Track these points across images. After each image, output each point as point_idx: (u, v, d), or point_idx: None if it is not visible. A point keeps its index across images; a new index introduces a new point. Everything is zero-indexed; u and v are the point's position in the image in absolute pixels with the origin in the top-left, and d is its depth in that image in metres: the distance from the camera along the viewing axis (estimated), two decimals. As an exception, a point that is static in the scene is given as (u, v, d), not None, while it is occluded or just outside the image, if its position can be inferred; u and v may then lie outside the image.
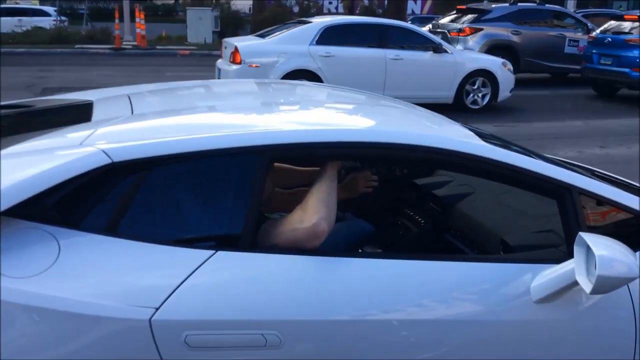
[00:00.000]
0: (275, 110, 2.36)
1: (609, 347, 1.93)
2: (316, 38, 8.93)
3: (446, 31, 12.78)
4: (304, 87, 2.99)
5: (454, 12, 13.95)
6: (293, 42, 8.90)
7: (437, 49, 9.52)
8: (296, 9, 23.42)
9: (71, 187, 1.57)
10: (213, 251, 1.64)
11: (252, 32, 20.49)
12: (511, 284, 1.84)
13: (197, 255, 1.62)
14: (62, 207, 1.59)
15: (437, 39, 9.84)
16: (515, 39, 12.46)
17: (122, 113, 2.05)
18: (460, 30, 12.52)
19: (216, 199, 1.75)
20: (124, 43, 18.18)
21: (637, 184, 2.80)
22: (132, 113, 2.06)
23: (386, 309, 1.73)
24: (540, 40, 12.63)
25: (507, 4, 13.24)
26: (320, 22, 9.30)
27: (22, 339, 1.46)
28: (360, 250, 2.35)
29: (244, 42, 9.13)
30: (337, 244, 2.09)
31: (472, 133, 2.18)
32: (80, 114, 2.12)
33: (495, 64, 9.94)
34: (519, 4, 13.23)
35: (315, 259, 1.72)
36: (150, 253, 1.59)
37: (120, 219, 1.63)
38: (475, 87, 9.84)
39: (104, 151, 1.61)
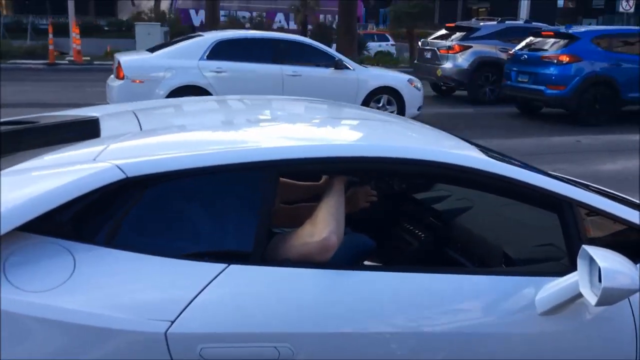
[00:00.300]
0: (282, 126, 2.39)
1: (612, 358, 1.96)
2: (207, 53, 8.65)
3: (435, 49, 13.02)
4: (307, 102, 3.06)
5: (443, 29, 14.19)
6: (181, 57, 8.62)
7: (338, 65, 9.29)
8: (248, 25, 23.22)
9: (86, 202, 1.61)
10: (226, 265, 1.66)
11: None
12: (515, 297, 1.88)
13: (210, 268, 1.65)
14: (78, 221, 1.63)
15: (337, 54, 9.63)
16: (503, 56, 12.55)
17: (131, 129, 2.09)
18: (449, 48, 12.77)
19: (228, 213, 1.78)
20: (67, 58, 17.85)
21: (631, 198, 2.85)
22: (141, 129, 2.10)
23: (394, 321, 1.77)
24: None
25: (494, 22, 13.54)
26: (211, 36, 9.08)
27: (39, 352, 1.48)
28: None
29: (128, 57, 8.86)
30: (339, 258, 2.08)
31: (472, 146, 2.22)
32: (88, 130, 2.15)
33: (400, 81, 9.74)
34: (507, 22, 13.60)
35: (325, 272, 1.76)
36: (164, 267, 1.62)
37: (134, 234, 1.66)
38: (380, 104, 9.62)
39: (118, 167, 1.64)
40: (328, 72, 9.22)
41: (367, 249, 2.31)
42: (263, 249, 1.76)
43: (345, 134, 2.36)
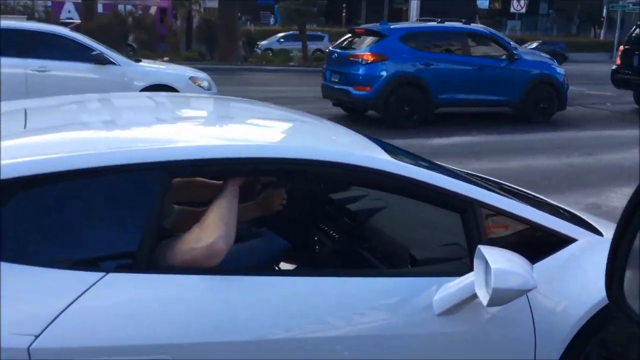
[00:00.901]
0: (176, 125, 2.38)
1: (510, 358, 1.98)
2: None
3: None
4: (208, 100, 3.14)
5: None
6: None
7: (99, 60, 8.34)
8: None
9: None
10: (103, 273, 1.60)
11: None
12: (415, 298, 1.88)
13: (86, 278, 1.58)
14: None
15: (99, 47, 8.62)
16: None
17: (15, 128, 2.00)
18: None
19: (109, 218, 1.73)
20: None
21: (545, 198, 2.89)
22: (25, 128, 2.01)
23: (289, 327, 1.75)
24: None
25: (434, 23, 13.09)
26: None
27: None
28: (276, 267, 2.40)
29: None
30: (253, 261, 2.12)
31: (377, 147, 2.22)
32: None
33: (179, 78, 8.84)
34: (447, 23, 13.15)
35: (210, 278, 1.72)
36: (34, 277, 1.56)
37: (5, 241, 1.58)
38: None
39: None
40: (86, 67, 8.29)
41: (282, 250, 2.31)
42: (149, 255, 1.69)
43: (244, 133, 2.34)
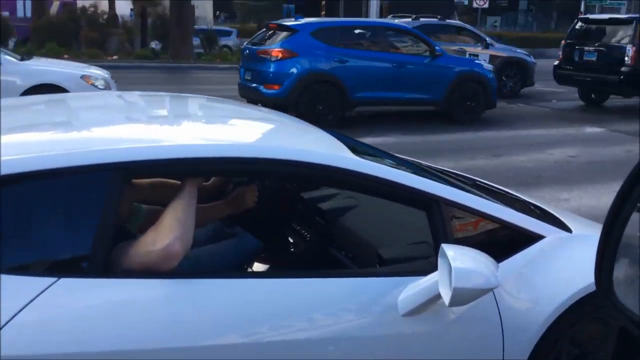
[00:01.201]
0: (132, 126, 2.33)
1: (479, 358, 1.96)
2: None
3: None
4: (168, 98, 2.99)
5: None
6: None
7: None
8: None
9: None
10: (55, 278, 1.56)
11: (29, 41, 18.68)
12: (381, 298, 1.86)
13: (35, 283, 1.54)
14: None
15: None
16: None
17: None
18: None
19: (63, 220, 1.69)
20: None
21: (519, 195, 2.88)
22: None
23: (248, 331, 1.72)
24: None
25: (410, 19, 13.46)
26: None
27: None
28: (247, 267, 2.38)
29: None
30: (226, 261, 2.11)
31: (342, 144, 2.19)
32: None
33: (69, 78, 8.34)
34: (422, 19, 13.56)
35: (165, 282, 1.68)
36: None
37: None
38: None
39: None
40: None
41: (254, 250, 2.31)
42: (103, 259, 1.65)
43: (203, 132, 2.26)
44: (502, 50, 14.13)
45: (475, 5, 22.13)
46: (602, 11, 38.99)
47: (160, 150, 1.82)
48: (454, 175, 2.77)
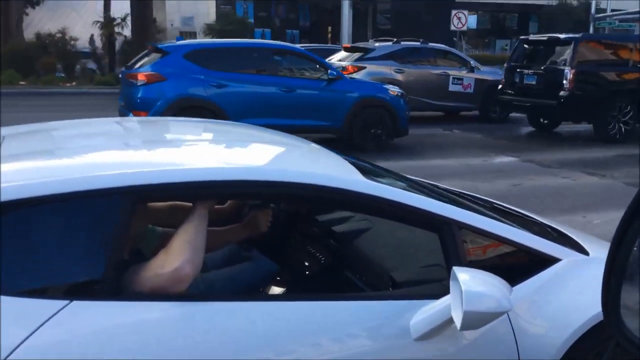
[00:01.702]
0: (143, 150, 2.38)
1: None
2: None
3: None
4: (179, 123, 3.12)
5: (342, 51, 13.89)
6: None
7: None
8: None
9: None
10: (67, 301, 1.57)
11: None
12: (393, 322, 1.84)
13: (49, 306, 1.55)
14: None
15: None
16: (398, 77, 12.35)
17: None
18: (343, 69, 11.83)
19: (73, 244, 1.69)
20: None
21: (536, 217, 2.82)
22: None
23: (263, 355, 1.71)
24: (424, 79, 12.65)
25: (390, 43, 13.29)
26: None
27: None
28: (262, 290, 2.37)
29: None
30: (240, 284, 2.11)
31: (353, 167, 2.20)
32: None
33: None
34: (403, 42, 13.33)
35: (176, 304, 1.69)
36: None
37: None
38: None
39: None
40: None
41: (270, 272, 2.33)
42: (115, 282, 1.68)
43: (213, 156, 2.27)
44: (487, 74, 13.38)
45: (452, 28, 21.20)
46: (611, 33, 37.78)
47: (170, 174, 1.82)
48: (470, 198, 2.76)
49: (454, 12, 20.66)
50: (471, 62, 13.51)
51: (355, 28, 30.77)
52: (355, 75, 11.94)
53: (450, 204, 2.11)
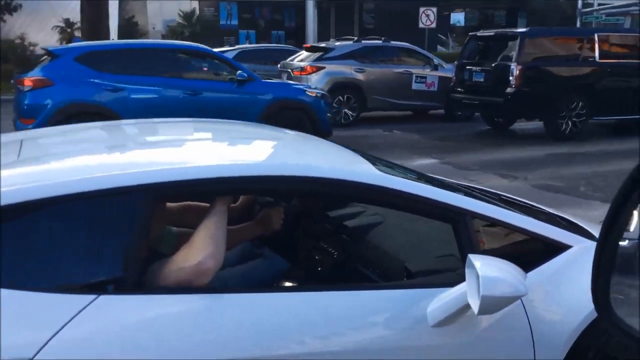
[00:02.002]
0: (159, 149, 2.39)
1: None
2: None
3: (289, 70, 12.15)
4: (191, 123, 3.15)
5: (304, 51, 13.48)
6: None
7: None
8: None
9: None
10: (94, 296, 1.62)
11: None
12: (410, 310, 1.88)
13: (77, 300, 1.61)
14: None
15: None
16: (359, 77, 12.04)
17: (8, 158, 2.05)
18: (302, 69, 11.85)
19: (98, 241, 1.74)
20: None
21: (543, 207, 2.90)
22: (18, 158, 2.08)
23: (284, 344, 1.75)
24: (387, 78, 12.25)
25: (351, 42, 12.97)
26: None
27: None
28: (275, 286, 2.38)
29: None
30: (253, 281, 2.17)
31: (367, 161, 2.25)
32: None
33: None
34: (364, 41, 13.03)
35: (199, 296, 1.74)
36: (26, 302, 1.59)
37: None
38: None
39: None
40: None
41: (282, 269, 2.38)
42: (138, 276, 1.73)
43: (230, 152, 2.34)
44: (452, 72, 12.46)
45: (421, 25, 20.27)
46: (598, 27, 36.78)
47: (190, 171, 1.87)
48: (477, 190, 2.81)
49: (422, 9, 19.76)
50: (434, 60, 13.01)
51: (342, 27, 30.31)
52: (314, 76, 11.67)
53: (462, 195, 2.17)
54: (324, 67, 11.87)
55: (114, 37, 19.81)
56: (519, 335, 1.94)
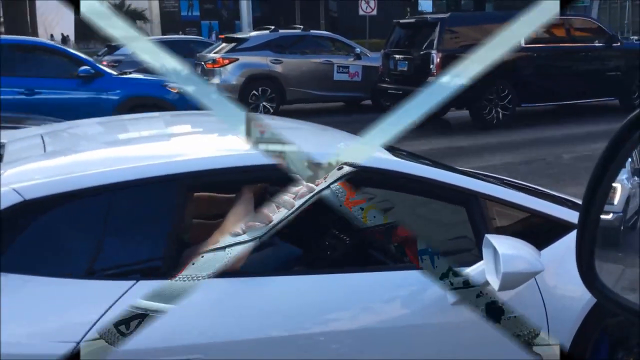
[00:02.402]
0: (188, 140, 2.60)
1: None
2: None
3: (202, 63, 11.41)
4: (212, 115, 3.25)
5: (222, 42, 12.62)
6: None
7: None
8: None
9: None
10: (134, 281, 1.71)
11: None
12: (428, 289, 1.96)
13: (118, 286, 1.69)
14: None
15: None
16: (276, 68, 11.36)
17: (34, 152, 2.12)
18: (214, 62, 11.17)
19: (133, 229, 1.84)
20: None
21: (543, 189, 3.05)
22: (45, 151, 2.15)
23: (309, 323, 1.88)
24: (306, 69, 11.60)
25: (267, 32, 12.19)
26: None
27: None
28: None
29: None
30: (264, 269, 2.19)
31: (380, 147, 2.29)
32: None
33: None
34: (281, 31, 12.30)
35: (237, 280, 1.84)
36: (69, 288, 1.68)
37: (37, 256, 1.72)
38: None
39: (15, 190, 1.69)
40: None
41: (294, 257, 2.36)
42: (173, 263, 1.78)
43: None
44: (376, 61, 11.56)
45: (361, 12, 19.39)
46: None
47: (219, 161, 1.98)
48: (483, 175, 2.87)
49: (361, -5, 18.93)
50: (357, 49, 12.20)
51: (308, 17, 29.83)
52: (227, 68, 11.02)
53: (473, 179, 2.24)
54: (237, 59, 11.17)
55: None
56: (533, 312, 2.00)
